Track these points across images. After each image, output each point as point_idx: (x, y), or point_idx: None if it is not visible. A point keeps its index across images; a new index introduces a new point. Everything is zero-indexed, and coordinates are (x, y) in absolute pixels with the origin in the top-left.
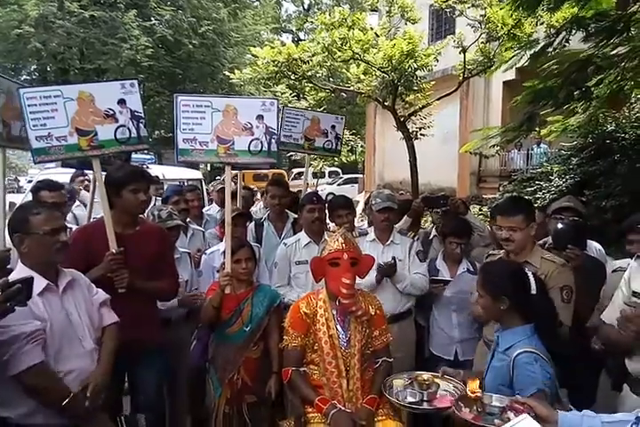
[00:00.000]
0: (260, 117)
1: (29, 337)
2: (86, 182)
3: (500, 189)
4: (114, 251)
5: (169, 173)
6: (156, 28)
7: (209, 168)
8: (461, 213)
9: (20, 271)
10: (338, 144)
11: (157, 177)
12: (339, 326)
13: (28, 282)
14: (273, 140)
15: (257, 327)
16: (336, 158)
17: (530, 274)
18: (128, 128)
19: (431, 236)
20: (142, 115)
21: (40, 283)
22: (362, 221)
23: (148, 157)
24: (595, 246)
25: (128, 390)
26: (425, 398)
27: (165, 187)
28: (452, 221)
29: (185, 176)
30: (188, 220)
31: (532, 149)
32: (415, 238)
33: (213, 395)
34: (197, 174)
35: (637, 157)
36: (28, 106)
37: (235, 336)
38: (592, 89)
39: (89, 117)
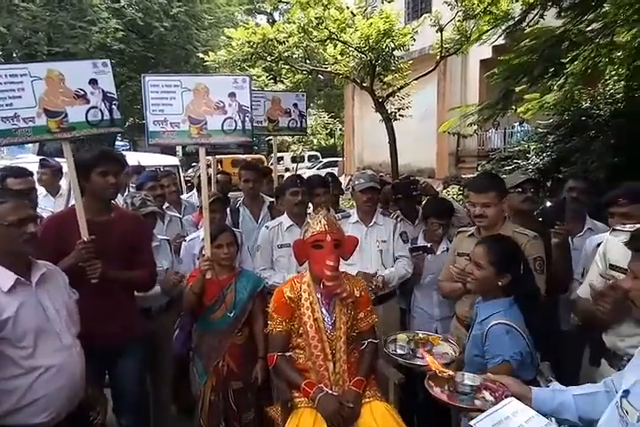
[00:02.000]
0: (232, 95)
1: None
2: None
3: (479, 168)
4: (85, 239)
5: (145, 159)
6: (126, 10)
7: (181, 154)
8: (432, 194)
9: None
10: (302, 122)
11: (141, 166)
12: (323, 309)
13: None
14: (247, 119)
15: (241, 313)
16: (315, 142)
17: None
18: (100, 110)
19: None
20: (115, 96)
21: (8, 279)
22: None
23: (122, 143)
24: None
25: (109, 382)
26: (418, 355)
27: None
28: (434, 202)
29: (161, 162)
30: (165, 206)
31: (514, 128)
32: (398, 220)
33: (198, 383)
34: (174, 160)
35: (612, 132)
36: None
37: (219, 323)
38: (566, 65)
39: (58, 98)
